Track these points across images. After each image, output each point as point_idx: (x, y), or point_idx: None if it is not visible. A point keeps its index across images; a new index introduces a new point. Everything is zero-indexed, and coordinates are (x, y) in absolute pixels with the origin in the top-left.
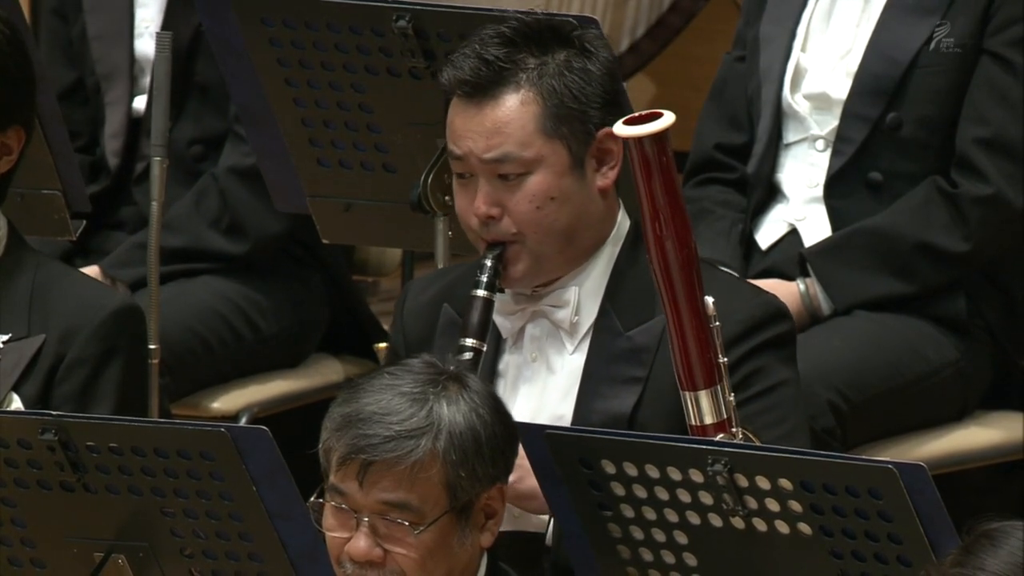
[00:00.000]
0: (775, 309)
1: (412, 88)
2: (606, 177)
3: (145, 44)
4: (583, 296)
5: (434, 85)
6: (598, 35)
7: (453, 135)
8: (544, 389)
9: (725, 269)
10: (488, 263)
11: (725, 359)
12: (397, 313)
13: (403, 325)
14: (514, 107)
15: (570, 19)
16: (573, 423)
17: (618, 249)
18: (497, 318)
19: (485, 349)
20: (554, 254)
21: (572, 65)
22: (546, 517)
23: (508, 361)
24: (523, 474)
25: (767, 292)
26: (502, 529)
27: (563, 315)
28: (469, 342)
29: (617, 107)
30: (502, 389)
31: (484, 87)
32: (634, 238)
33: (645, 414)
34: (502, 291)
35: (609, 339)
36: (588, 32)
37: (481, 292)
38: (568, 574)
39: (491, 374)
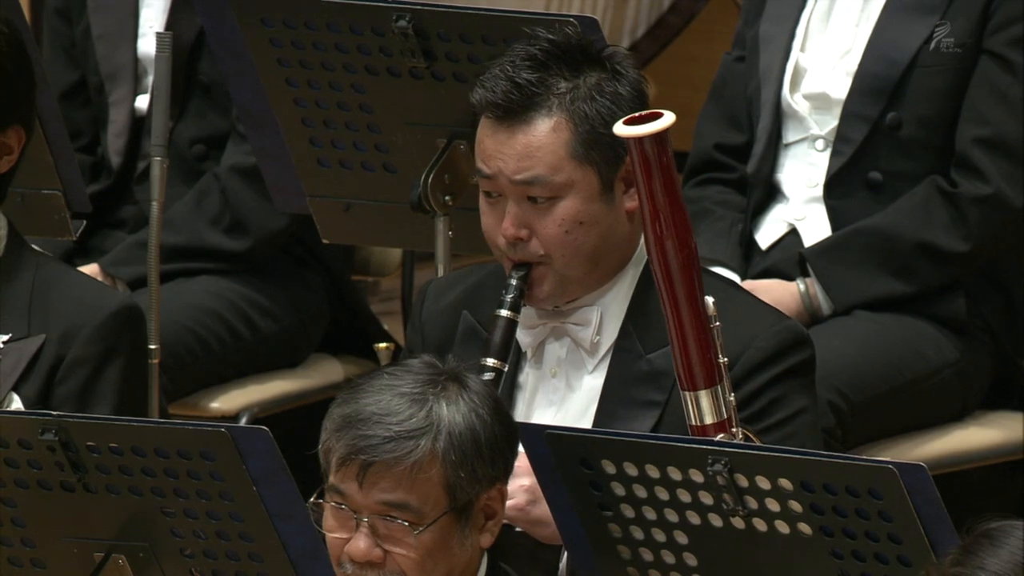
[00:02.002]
0: (797, 336)
1: (412, 88)
2: (633, 199)
3: (149, 44)
4: (605, 316)
5: (435, 85)
6: (627, 55)
7: (483, 154)
8: (562, 407)
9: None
10: (513, 283)
11: (725, 359)
12: (415, 315)
13: (422, 328)
14: (545, 132)
15: (593, 34)
16: None
17: (640, 270)
18: (518, 331)
19: (507, 369)
20: (580, 276)
21: (603, 89)
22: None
23: (528, 375)
24: (535, 499)
25: (788, 317)
26: (519, 530)
27: (585, 334)
28: (491, 362)
29: None
30: (521, 404)
31: (516, 111)
32: None
33: None
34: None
35: (629, 361)
36: (618, 52)
37: (505, 312)
38: None
39: (511, 387)
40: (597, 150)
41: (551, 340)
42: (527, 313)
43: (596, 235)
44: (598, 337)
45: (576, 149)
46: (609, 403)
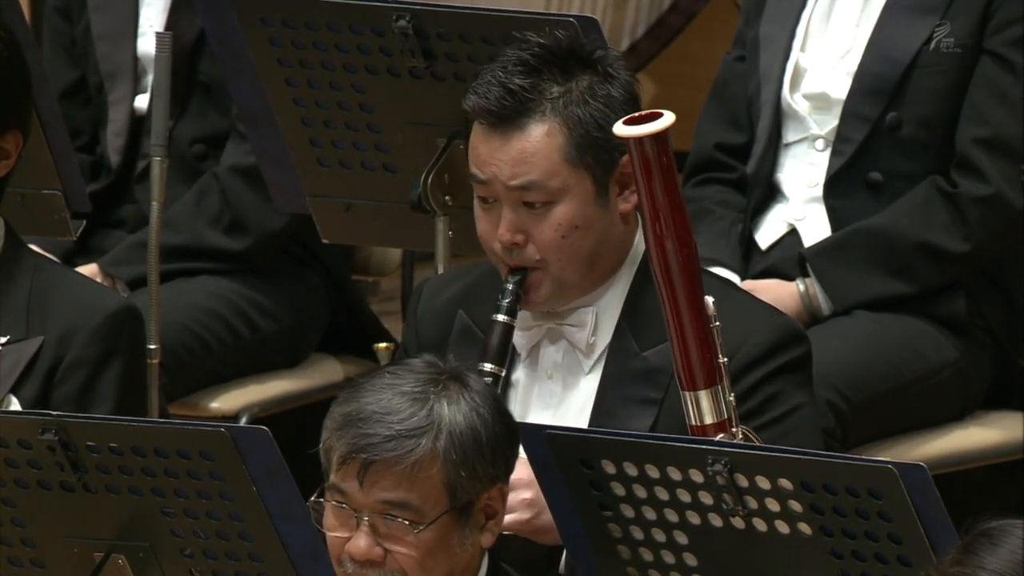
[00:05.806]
0: (792, 332)
1: (412, 88)
2: (628, 201)
3: (148, 43)
4: (601, 317)
5: (434, 85)
6: (618, 56)
7: (477, 160)
8: (559, 408)
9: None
10: (510, 287)
11: (725, 359)
12: (410, 313)
13: (416, 326)
14: (539, 137)
15: (586, 37)
16: None
17: (635, 269)
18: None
19: (504, 374)
20: (576, 280)
21: (596, 92)
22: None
23: (521, 375)
24: (540, 510)
25: (783, 314)
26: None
27: (580, 336)
28: (488, 367)
29: None
30: (514, 404)
31: (509, 117)
32: None
33: None
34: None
35: (625, 360)
36: (609, 54)
37: (501, 317)
38: None
39: (504, 387)
40: (591, 154)
41: (546, 342)
42: (522, 315)
43: (592, 239)
44: (593, 338)
45: (570, 153)
46: (605, 402)
